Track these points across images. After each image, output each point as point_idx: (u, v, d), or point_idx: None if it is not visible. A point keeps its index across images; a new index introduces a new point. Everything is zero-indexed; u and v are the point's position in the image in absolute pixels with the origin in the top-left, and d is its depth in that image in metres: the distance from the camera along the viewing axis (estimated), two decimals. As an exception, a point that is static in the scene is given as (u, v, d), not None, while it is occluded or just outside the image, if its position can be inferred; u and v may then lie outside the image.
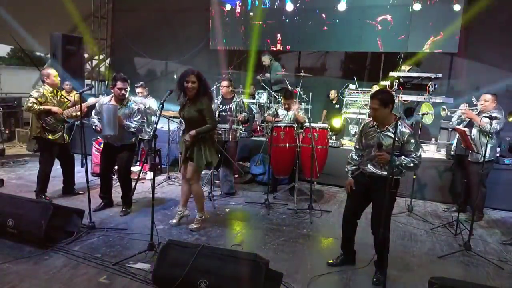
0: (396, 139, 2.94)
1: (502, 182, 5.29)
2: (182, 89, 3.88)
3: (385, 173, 3.05)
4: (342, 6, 8.07)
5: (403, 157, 3.05)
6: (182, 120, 4.06)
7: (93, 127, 4.35)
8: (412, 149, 3.04)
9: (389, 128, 3.09)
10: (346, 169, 3.45)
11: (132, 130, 4.35)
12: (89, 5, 10.35)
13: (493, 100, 4.68)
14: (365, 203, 3.34)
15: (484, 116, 4.45)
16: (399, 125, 2.97)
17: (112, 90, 4.32)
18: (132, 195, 4.60)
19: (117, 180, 4.67)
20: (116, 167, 4.72)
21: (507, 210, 5.33)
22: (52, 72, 4.73)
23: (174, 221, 4.26)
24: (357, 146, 3.41)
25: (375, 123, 3.19)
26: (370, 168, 3.19)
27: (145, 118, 4.64)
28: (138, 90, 6.07)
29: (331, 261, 3.49)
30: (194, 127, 3.91)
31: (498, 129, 4.53)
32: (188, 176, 4.09)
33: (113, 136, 4.28)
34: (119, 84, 4.25)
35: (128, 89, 4.38)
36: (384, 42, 7.87)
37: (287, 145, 5.17)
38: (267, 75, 7.84)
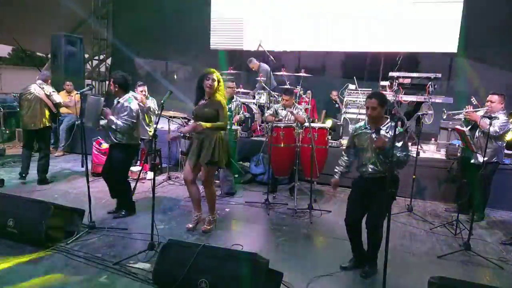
0: (390, 136, 3.06)
1: (502, 182, 5.28)
2: (201, 88, 3.96)
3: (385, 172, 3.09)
4: (343, 10, 8.08)
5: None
6: (195, 117, 4.06)
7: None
8: (400, 147, 3.10)
9: (381, 128, 3.18)
10: (336, 169, 3.57)
11: (113, 126, 4.09)
12: (89, 5, 10.36)
13: (500, 101, 4.52)
14: (365, 206, 3.30)
15: (483, 117, 4.38)
16: (392, 125, 3.12)
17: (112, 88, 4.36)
18: (132, 195, 4.58)
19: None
20: None
21: (507, 210, 5.33)
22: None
23: (190, 225, 4.19)
24: (349, 145, 3.53)
25: (368, 125, 3.27)
26: (370, 169, 3.22)
27: (134, 119, 4.21)
28: (140, 89, 6.00)
29: (344, 265, 3.42)
30: None
31: (500, 132, 4.40)
32: (202, 178, 4.09)
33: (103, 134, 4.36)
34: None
35: None
36: (384, 42, 7.87)
37: (287, 145, 5.17)
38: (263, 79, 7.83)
